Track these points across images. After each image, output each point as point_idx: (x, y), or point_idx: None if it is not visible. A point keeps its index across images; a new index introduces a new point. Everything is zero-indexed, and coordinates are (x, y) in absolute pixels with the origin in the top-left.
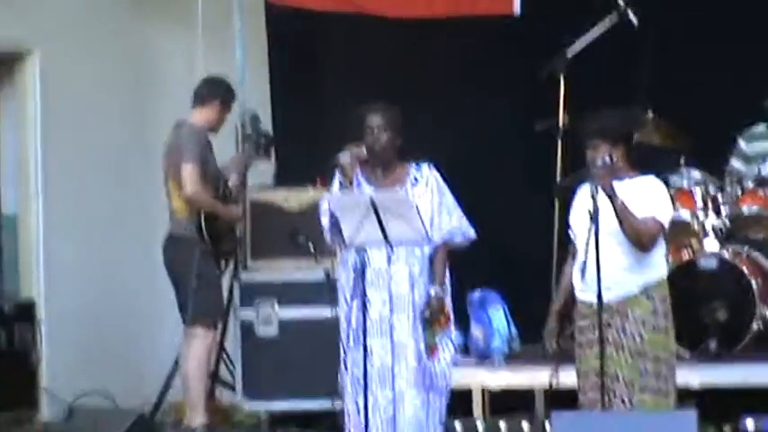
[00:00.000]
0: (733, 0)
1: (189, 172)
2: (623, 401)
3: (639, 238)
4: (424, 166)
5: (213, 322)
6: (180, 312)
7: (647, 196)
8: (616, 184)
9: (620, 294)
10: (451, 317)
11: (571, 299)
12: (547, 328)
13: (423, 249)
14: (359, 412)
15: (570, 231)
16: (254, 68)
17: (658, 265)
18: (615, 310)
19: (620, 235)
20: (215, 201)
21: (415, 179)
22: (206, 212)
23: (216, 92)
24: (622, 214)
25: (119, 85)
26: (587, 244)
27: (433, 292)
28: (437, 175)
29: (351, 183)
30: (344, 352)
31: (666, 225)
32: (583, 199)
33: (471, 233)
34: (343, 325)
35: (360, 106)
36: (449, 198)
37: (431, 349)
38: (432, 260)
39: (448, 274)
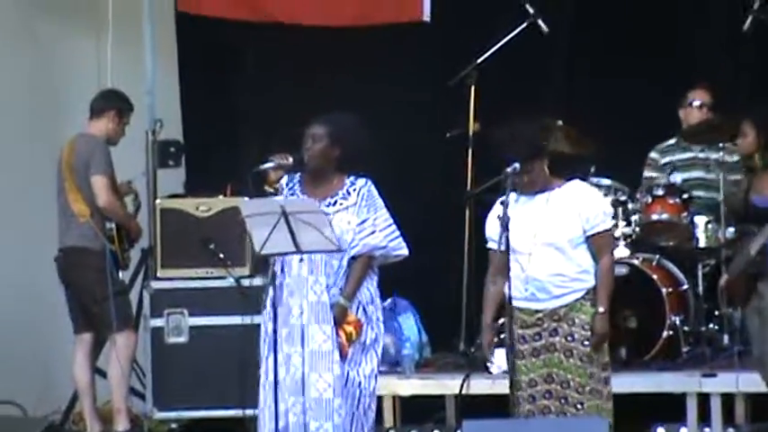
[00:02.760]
0: (643, 13)
1: (102, 183)
2: (576, 407)
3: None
4: (360, 180)
5: (135, 326)
6: (74, 322)
7: (582, 205)
8: (546, 195)
9: (566, 301)
10: (372, 329)
11: (499, 309)
12: (484, 341)
13: (341, 261)
14: (271, 420)
15: (491, 242)
16: (164, 77)
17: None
18: (561, 317)
19: (559, 243)
20: (127, 212)
21: (348, 192)
22: (117, 223)
23: (111, 103)
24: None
25: (26, 95)
26: (528, 254)
27: (334, 301)
28: (372, 190)
29: (276, 192)
30: (260, 360)
31: (611, 226)
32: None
33: (400, 252)
34: (262, 334)
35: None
36: (380, 215)
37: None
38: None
39: (373, 286)
